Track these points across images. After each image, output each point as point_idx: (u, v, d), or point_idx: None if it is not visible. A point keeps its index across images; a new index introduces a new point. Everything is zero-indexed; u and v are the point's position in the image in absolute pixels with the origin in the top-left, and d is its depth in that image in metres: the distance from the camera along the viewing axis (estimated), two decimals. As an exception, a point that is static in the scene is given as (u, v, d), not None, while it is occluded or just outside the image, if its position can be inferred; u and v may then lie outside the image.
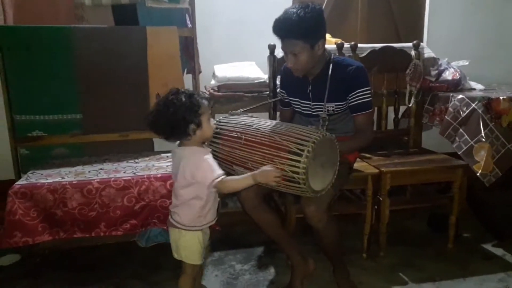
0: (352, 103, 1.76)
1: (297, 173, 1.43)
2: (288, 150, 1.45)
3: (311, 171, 1.45)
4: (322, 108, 1.76)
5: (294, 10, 1.59)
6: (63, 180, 1.81)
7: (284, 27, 1.60)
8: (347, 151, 1.74)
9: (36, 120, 2.11)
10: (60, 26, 2.08)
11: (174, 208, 1.54)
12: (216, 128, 1.67)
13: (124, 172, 1.90)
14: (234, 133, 1.62)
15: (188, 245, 1.54)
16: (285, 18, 1.60)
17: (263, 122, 1.66)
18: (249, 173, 1.47)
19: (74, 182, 1.79)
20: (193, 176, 1.45)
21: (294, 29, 1.58)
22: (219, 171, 1.44)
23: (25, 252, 1.93)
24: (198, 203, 1.50)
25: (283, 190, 1.59)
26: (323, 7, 1.72)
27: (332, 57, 1.78)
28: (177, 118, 1.40)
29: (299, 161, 1.42)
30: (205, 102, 1.47)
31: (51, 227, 1.77)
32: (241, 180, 1.47)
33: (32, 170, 1.98)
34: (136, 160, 2.11)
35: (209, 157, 1.48)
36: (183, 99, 1.42)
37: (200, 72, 2.41)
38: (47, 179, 1.82)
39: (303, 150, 1.43)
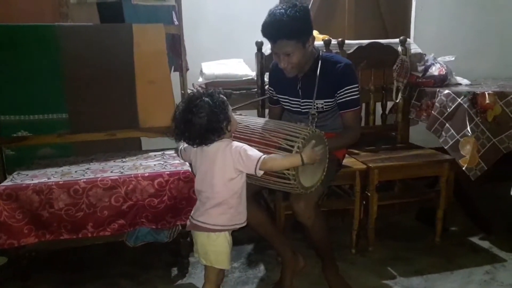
0: (340, 100, 1.76)
1: (287, 169, 1.43)
2: (278, 146, 1.46)
3: (301, 167, 1.45)
4: (311, 105, 1.76)
5: (283, 10, 1.57)
6: (49, 180, 1.78)
7: (276, 29, 1.59)
8: (334, 148, 1.74)
9: (21, 120, 2.08)
10: (44, 24, 2.05)
11: (205, 209, 1.46)
12: None
13: (111, 172, 1.88)
14: None
15: (218, 248, 1.47)
16: (275, 20, 1.58)
17: (252, 119, 1.66)
18: (297, 153, 1.42)
19: (60, 182, 1.76)
20: (238, 167, 1.41)
21: (287, 29, 1.58)
22: (258, 153, 1.40)
23: (12, 254, 1.90)
24: (236, 199, 1.45)
25: (273, 187, 1.60)
26: (310, 4, 1.72)
27: (320, 53, 1.78)
28: (211, 120, 1.37)
29: None
30: (224, 96, 1.43)
31: (37, 229, 1.75)
32: (287, 159, 1.42)
33: (17, 171, 1.95)
34: (124, 160, 2.09)
35: (243, 144, 1.44)
36: (209, 101, 1.38)
37: (187, 69, 2.39)
38: (32, 180, 1.79)
39: (293, 146, 1.43)
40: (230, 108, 1.45)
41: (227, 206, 1.45)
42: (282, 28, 1.58)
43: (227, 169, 1.42)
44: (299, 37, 1.61)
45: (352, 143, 1.86)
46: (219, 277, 1.56)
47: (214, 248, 1.47)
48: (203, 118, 1.36)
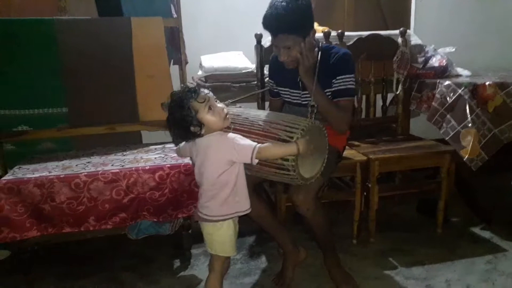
0: (334, 88, 1.75)
1: (287, 160, 1.43)
2: (278, 138, 1.45)
3: (300, 158, 1.46)
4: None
5: (284, 3, 1.55)
6: (50, 174, 1.78)
7: (276, 23, 1.58)
8: (322, 106, 1.69)
9: (21, 115, 2.08)
10: (42, 18, 2.04)
11: (204, 202, 1.49)
12: None
13: (112, 165, 1.88)
14: None
15: (222, 237, 1.50)
16: (276, 13, 1.56)
17: (252, 111, 1.65)
18: (292, 142, 1.42)
19: (61, 176, 1.77)
20: (231, 159, 1.42)
21: (287, 24, 1.56)
22: (251, 143, 1.42)
23: (15, 248, 1.91)
24: (229, 189, 1.46)
25: (273, 178, 1.60)
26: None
27: (320, 45, 1.77)
28: (180, 127, 1.43)
29: None
30: (194, 101, 1.41)
31: (39, 223, 1.75)
32: (284, 147, 1.42)
33: (18, 165, 1.96)
34: (124, 153, 2.09)
35: (235, 135, 1.45)
36: (175, 108, 1.42)
37: (186, 63, 2.38)
38: (34, 174, 1.80)
39: (292, 138, 1.43)
40: (204, 108, 1.41)
41: (223, 197, 1.46)
42: (283, 22, 1.56)
43: (220, 161, 1.44)
44: (299, 31, 1.60)
45: (337, 125, 1.75)
46: (224, 267, 1.57)
47: (218, 237, 1.50)
48: (173, 122, 1.43)
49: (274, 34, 1.62)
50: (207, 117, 1.42)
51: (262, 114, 1.63)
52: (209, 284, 1.55)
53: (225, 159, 1.43)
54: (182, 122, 1.41)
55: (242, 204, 1.52)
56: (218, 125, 1.45)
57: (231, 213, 1.49)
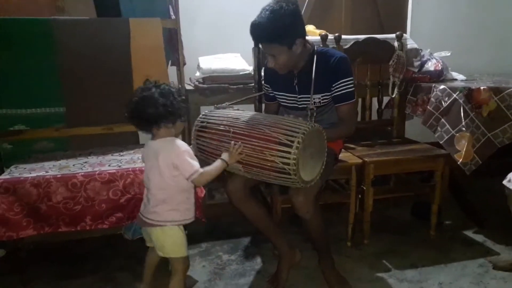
0: (335, 94, 1.77)
1: (288, 164, 1.43)
2: (278, 141, 1.46)
3: (301, 162, 1.46)
4: (308, 100, 1.77)
5: (268, 13, 1.55)
6: (47, 174, 1.79)
7: (257, 32, 1.59)
8: (329, 139, 1.74)
9: (18, 114, 2.08)
10: (40, 18, 2.05)
11: (152, 207, 1.51)
12: (202, 122, 1.67)
13: (109, 165, 1.89)
14: (221, 126, 1.61)
15: (174, 240, 1.53)
16: (258, 22, 1.57)
17: (250, 114, 1.66)
18: (218, 159, 1.51)
19: (58, 176, 1.77)
20: (175, 166, 1.46)
21: (267, 34, 1.57)
22: (197, 164, 1.47)
23: (11, 247, 1.91)
24: (183, 196, 1.52)
25: (274, 182, 1.59)
26: (306, 1, 1.71)
27: (315, 48, 1.78)
28: (166, 105, 1.43)
29: (289, 152, 1.42)
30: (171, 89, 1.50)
31: (36, 222, 1.75)
32: (215, 168, 1.50)
33: (15, 164, 1.96)
34: (121, 153, 2.09)
35: (188, 149, 1.49)
36: (173, 89, 1.47)
37: (184, 64, 2.39)
38: (30, 173, 1.80)
39: (293, 141, 1.43)
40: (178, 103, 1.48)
41: (175, 202, 1.50)
42: (263, 32, 1.57)
43: (169, 166, 1.46)
44: (281, 41, 1.59)
45: (347, 135, 1.87)
46: (185, 265, 1.60)
47: (170, 240, 1.53)
48: (160, 99, 1.43)
49: (255, 43, 1.65)
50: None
51: (261, 117, 1.62)
52: (174, 287, 1.57)
53: (173, 165, 1.46)
54: (174, 104, 1.44)
55: (191, 212, 1.57)
56: (180, 130, 1.55)
57: (181, 220, 1.53)
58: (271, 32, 1.56)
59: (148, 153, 1.52)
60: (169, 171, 1.47)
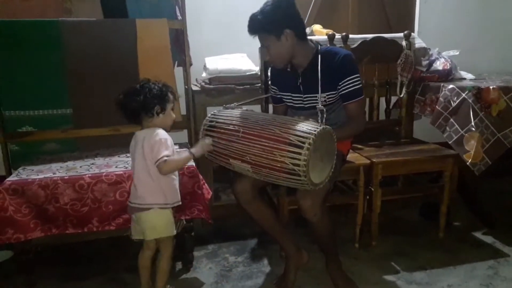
0: (342, 92, 1.75)
1: (298, 165, 1.42)
2: (289, 142, 1.44)
3: (311, 163, 1.44)
4: (314, 100, 1.76)
5: (264, 6, 1.66)
6: (54, 175, 1.79)
7: (249, 23, 1.68)
8: (339, 138, 1.72)
9: (26, 116, 2.09)
10: (48, 19, 2.05)
11: (139, 192, 1.59)
12: (211, 122, 1.67)
13: (116, 167, 1.89)
14: (231, 126, 1.60)
15: (165, 221, 1.62)
16: (253, 15, 1.67)
17: (260, 115, 1.65)
18: (186, 150, 1.61)
19: (65, 177, 1.78)
20: (149, 153, 1.55)
21: (256, 24, 1.66)
22: (166, 152, 1.53)
23: (18, 249, 1.91)
24: (169, 177, 1.60)
25: (282, 184, 1.57)
26: (312, 1, 1.72)
27: (319, 47, 1.77)
28: (148, 97, 1.55)
29: (300, 153, 1.41)
30: (171, 95, 1.63)
31: (43, 223, 1.76)
32: (181, 159, 1.59)
33: (22, 166, 1.97)
34: (128, 155, 2.08)
35: (165, 138, 1.57)
36: (156, 85, 1.60)
37: (191, 64, 2.39)
38: (38, 175, 1.81)
39: (304, 143, 1.41)
40: (172, 106, 1.63)
41: (160, 186, 1.58)
42: (253, 22, 1.66)
43: (149, 151, 1.55)
44: (268, 31, 1.65)
45: (357, 133, 1.85)
46: (173, 243, 1.70)
47: (161, 222, 1.61)
48: (144, 92, 1.56)
49: (250, 34, 1.70)
50: (169, 111, 1.61)
51: (272, 117, 1.61)
52: (164, 265, 1.68)
53: (151, 149, 1.55)
54: (155, 97, 1.56)
55: (177, 194, 1.65)
56: (167, 124, 1.63)
57: (166, 203, 1.61)
58: (259, 21, 1.65)
59: (136, 141, 1.61)
60: (151, 155, 1.54)
